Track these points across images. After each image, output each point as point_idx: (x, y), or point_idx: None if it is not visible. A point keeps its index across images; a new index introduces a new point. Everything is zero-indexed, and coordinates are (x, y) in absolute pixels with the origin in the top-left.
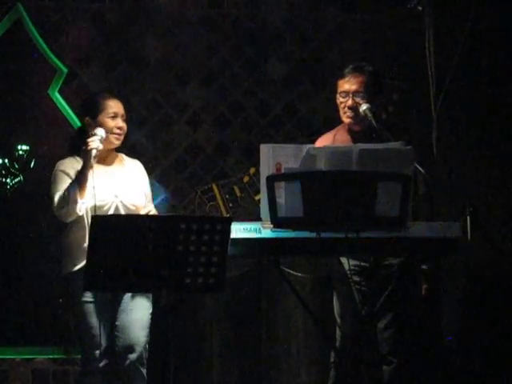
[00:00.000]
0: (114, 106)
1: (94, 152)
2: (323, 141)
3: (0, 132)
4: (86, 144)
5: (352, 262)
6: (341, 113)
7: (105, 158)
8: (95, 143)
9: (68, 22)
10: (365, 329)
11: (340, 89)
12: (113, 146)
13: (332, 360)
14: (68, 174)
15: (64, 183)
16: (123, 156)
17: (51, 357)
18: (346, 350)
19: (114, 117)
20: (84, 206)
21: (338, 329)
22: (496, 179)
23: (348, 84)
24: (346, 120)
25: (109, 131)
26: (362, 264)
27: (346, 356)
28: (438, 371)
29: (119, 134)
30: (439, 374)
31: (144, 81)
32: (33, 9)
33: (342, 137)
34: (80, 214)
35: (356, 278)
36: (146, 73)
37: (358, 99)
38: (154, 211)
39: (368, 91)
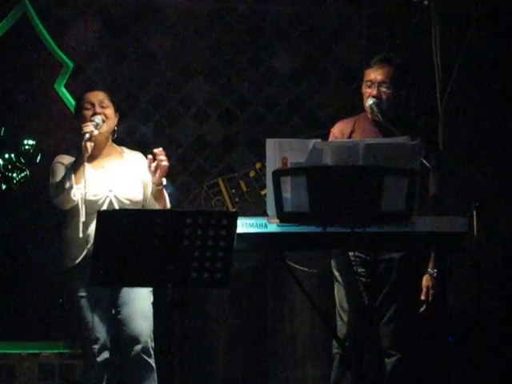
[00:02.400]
0: (89, 97)
1: (87, 135)
2: (343, 125)
3: (6, 127)
4: (81, 129)
5: (352, 254)
6: (365, 102)
7: (100, 152)
8: (89, 128)
9: (74, 17)
10: (368, 320)
11: (366, 78)
12: (103, 132)
13: (334, 351)
14: (65, 166)
15: (60, 173)
16: (123, 149)
17: (57, 351)
18: (349, 341)
19: (90, 107)
20: (79, 191)
21: (338, 320)
22: (503, 174)
23: (374, 74)
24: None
25: (87, 121)
26: (363, 257)
27: (348, 347)
28: (441, 364)
29: (102, 119)
30: (441, 367)
31: (150, 76)
32: (39, 3)
33: (364, 124)
34: (74, 198)
35: (358, 270)
36: (151, 67)
37: (383, 89)
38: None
39: (394, 83)
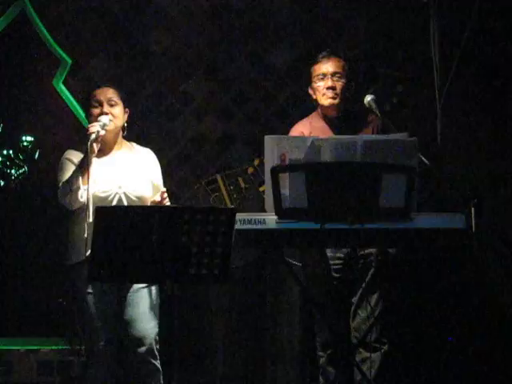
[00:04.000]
0: (98, 94)
1: (93, 136)
2: (300, 127)
3: (5, 123)
4: (87, 129)
5: (330, 254)
6: (318, 96)
7: (110, 148)
8: (95, 128)
9: (72, 13)
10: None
11: (316, 72)
12: (111, 131)
13: (320, 354)
14: (73, 163)
15: (69, 171)
16: (134, 145)
17: (56, 348)
18: (326, 351)
19: (98, 105)
20: (86, 192)
21: (315, 326)
22: (501, 170)
23: (325, 66)
24: (327, 101)
25: (94, 120)
26: (338, 255)
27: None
28: (428, 356)
29: (109, 119)
30: (430, 359)
31: (148, 72)
32: (37, 0)
33: (317, 123)
34: (82, 200)
35: (335, 275)
36: (150, 64)
37: (336, 79)
38: (167, 200)
39: (345, 74)
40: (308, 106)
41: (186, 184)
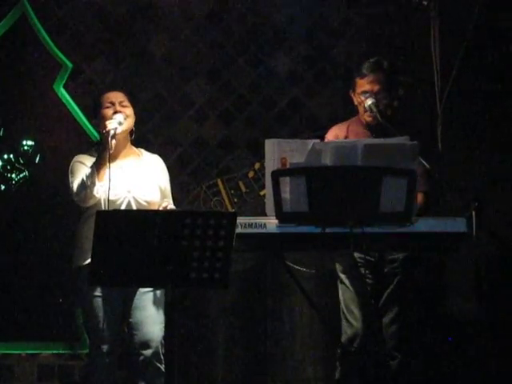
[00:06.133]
0: (110, 96)
1: (111, 132)
2: (337, 130)
3: (5, 127)
4: (105, 127)
5: (357, 255)
6: (361, 111)
7: (119, 152)
8: (113, 124)
9: (73, 17)
10: (372, 322)
11: (361, 88)
12: (123, 132)
13: (338, 355)
14: (85, 164)
15: (81, 171)
16: (142, 151)
17: (56, 352)
18: (353, 344)
19: (111, 106)
20: (102, 188)
21: (344, 322)
22: (502, 174)
23: (370, 85)
24: (368, 119)
25: (108, 119)
26: (367, 258)
27: (352, 351)
28: (443, 366)
29: (123, 118)
30: (444, 369)
31: (149, 76)
32: (37, 3)
33: (356, 128)
34: (97, 196)
35: (361, 271)
36: (150, 68)
37: (380, 97)
38: (171, 205)
39: (387, 88)
40: (309, 111)
41: (186, 188)
